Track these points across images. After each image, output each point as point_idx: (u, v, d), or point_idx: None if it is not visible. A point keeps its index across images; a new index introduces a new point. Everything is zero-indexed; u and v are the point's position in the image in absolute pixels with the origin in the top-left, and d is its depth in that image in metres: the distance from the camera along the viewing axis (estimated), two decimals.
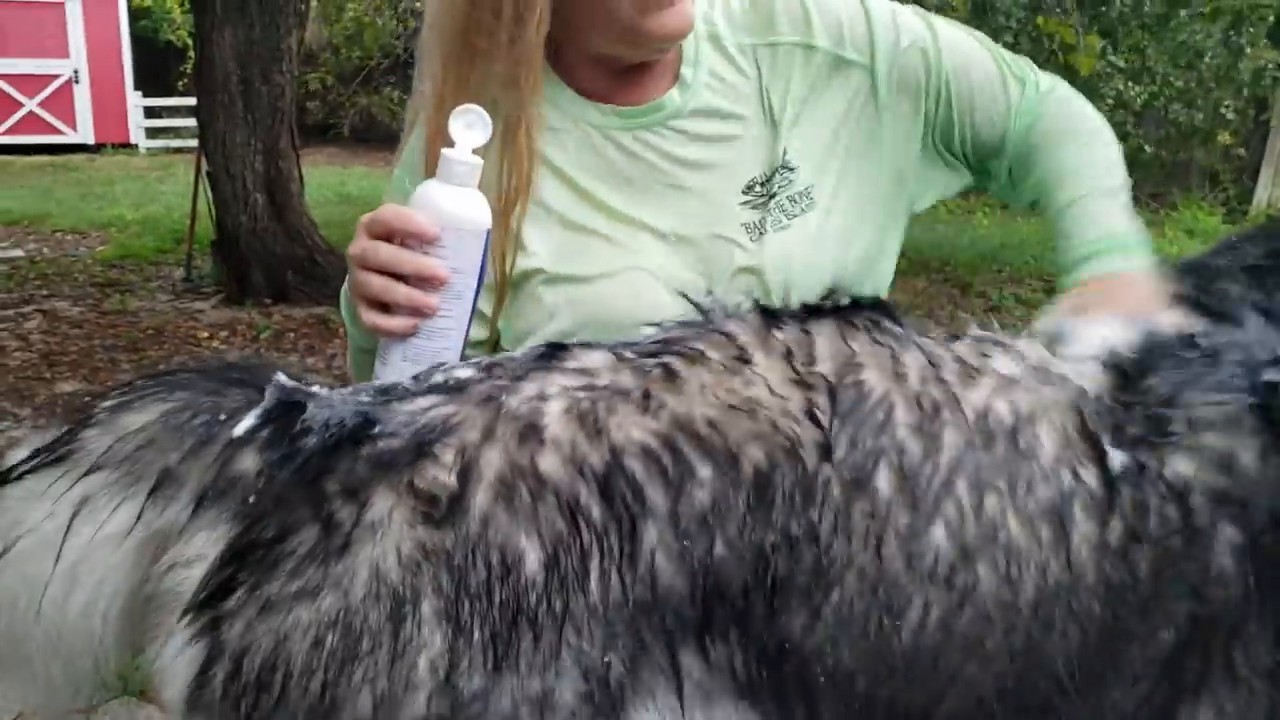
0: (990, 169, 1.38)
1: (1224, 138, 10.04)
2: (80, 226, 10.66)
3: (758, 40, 1.31)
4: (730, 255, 1.26)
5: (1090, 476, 0.93)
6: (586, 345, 0.99)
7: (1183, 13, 6.28)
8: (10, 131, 16.88)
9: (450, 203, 1.08)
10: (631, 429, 0.90)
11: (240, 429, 0.90)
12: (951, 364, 0.98)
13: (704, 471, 0.89)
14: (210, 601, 0.85)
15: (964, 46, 1.35)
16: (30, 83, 17.06)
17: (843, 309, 1.02)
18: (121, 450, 0.91)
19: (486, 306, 1.25)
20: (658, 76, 1.29)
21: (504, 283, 1.26)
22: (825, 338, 0.98)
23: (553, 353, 0.97)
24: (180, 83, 19.06)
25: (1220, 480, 0.94)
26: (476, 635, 0.84)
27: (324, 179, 11.62)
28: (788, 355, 0.96)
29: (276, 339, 6.49)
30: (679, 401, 0.92)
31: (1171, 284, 1.15)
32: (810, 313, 1.02)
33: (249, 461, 0.89)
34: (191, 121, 17.88)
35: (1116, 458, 0.93)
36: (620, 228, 1.27)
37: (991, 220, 9.36)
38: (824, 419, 0.91)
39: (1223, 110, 9.04)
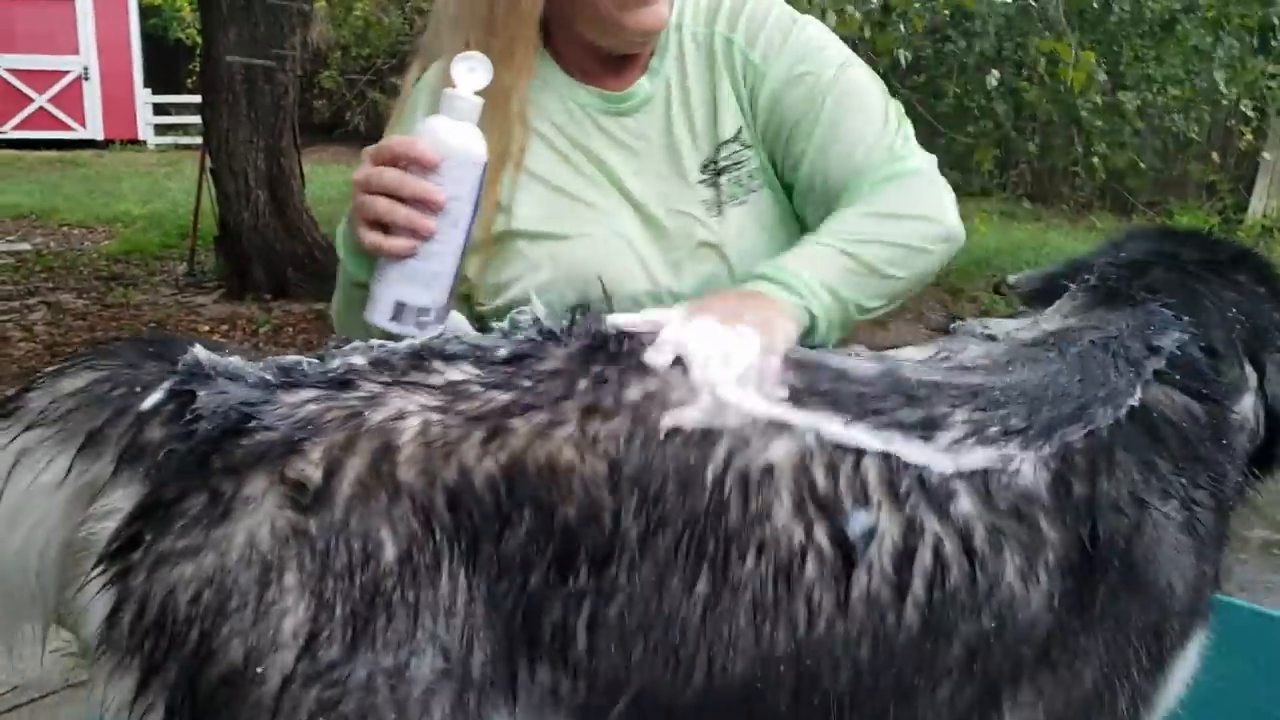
0: (808, 197, 1.41)
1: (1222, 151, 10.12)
2: (87, 221, 10.79)
3: (706, 34, 1.42)
4: (691, 230, 1.37)
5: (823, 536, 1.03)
6: (451, 359, 1.07)
7: (1183, 23, 6.34)
8: (20, 127, 17.03)
9: (451, 135, 1.16)
10: (481, 457, 0.99)
11: (147, 404, 1.02)
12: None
13: (527, 511, 0.99)
14: (120, 552, 0.96)
15: (858, 99, 1.39)
16: (41, 78, 17.21)
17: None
18: (56, 410, 1.03)
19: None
20: (638, 65, 1.42)
21: (486, 240, 1.37)
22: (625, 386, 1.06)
23: (423, 355, 1.06)
24: (190, 80, 19.22)
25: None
26: (338, 611, 0.94)
27: (330, 177, 11.73)
28: (589, 412, 1.03)
29: (275, 333, 6.59)
30: (518, 443, 1.00)
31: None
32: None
33: (156, 433, 1.00)
34: (199, 119, 18.13)
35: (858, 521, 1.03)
36: (598, 196, 1.39)
37: (989, 226, 9.43)
38: (623, 489, 1.00)
39: (1230, 124, 9.15)
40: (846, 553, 1.02)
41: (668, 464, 1.01)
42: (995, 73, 5.65)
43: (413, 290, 1.18)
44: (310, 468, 0.96)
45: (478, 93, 1.18)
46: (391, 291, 1.18)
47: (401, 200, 1.16)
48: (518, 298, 1.37)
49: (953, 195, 1.38)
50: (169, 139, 18.20)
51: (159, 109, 18.39)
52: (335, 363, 1.05)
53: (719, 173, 1.39)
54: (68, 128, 17.46)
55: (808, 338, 1.22)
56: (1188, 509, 1.12)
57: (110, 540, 0.97)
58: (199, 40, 18.82)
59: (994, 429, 1.07)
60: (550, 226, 1.38)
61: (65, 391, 1.04)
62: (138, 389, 1.03)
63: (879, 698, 1.05)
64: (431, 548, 0.96)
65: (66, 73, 17.42)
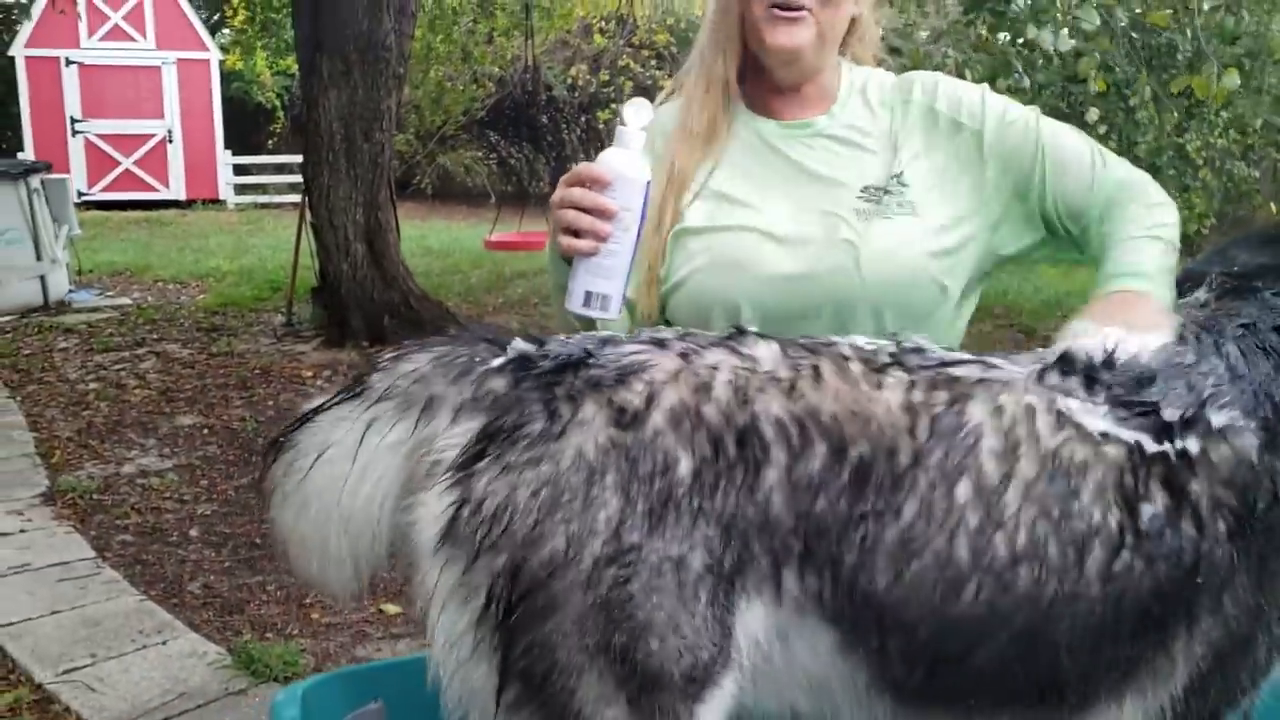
0: (1071, 228, 1.71)
1: None
2: (180, 276, 11.29)
3: (895, 98, 1.75)
4: (837, 227, 1.65)
5: (1114, 520, 1.25)
6: (761, 336, 1.33)
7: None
8: (108, 189, 17.79)
9: (618, 161, 1.49)
10: (772, 405, 1.24)
11: (496, 361, 1.29)
12: (1043, 413, 1.28)
13: (820, 448, 1.23)
14: (465, 465, 1.21)
15: (1060, 129, 1.73)
16: (127, 142, 18.00)
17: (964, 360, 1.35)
18: (400, 386, 1.30)
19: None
20: (813, 104, 1.74)
21: (665, 240, 1.70)
22: (948, 377, 1.31)
23: (735, 337, 1.32)
24: (270, 142, 19.92)
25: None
26: (640, 506, 1.19)
27: (406, 233, 12.17)
28: (910, 386, 1.29)
29: None
30: (816, 396, 1.26)
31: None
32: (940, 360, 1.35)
33: (500, 382, 1.26)
34: (278, 179, 18.76)
35: (1146, 511, 1.25)
36: (760, 199, 1.70)
37: (1056, 271, 9.61)
38: (922, 437, 1.24)
39: None
40: (1123, 535, 1.24)
41: (985, 426, 1.26)
42: (1094, 109, 5.79)
43: (598, 281, 1.50)
44: (633, 395, 1.22)
45: (643, 128, 1.51)
46: (581, 283, 1.50)
47: (584, 210, 1.48)
48: (679, 281, 1.69)
49: None
50: (248, 198, 18.87)
51: (239, 169, 19.08)
52: (646, 334, 1.33)
53: (885, 194, 1.68)
54: (152, 189, 18.19)
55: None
56: None
57: (457, 457, 1.22)
58: (278, 104, 19.69)
59: (1225, 398, 1.29)
60: (710, 222, 1.70)
61: (404, 371, 1.31)
62: (476, 359, 1.30)
63: (1094, 645, 1.26)
64: (715, 471, 1.21)
65: (151, 135, 18.17)
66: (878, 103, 1.74)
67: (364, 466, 1.27)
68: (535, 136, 17.18)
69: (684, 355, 1.27)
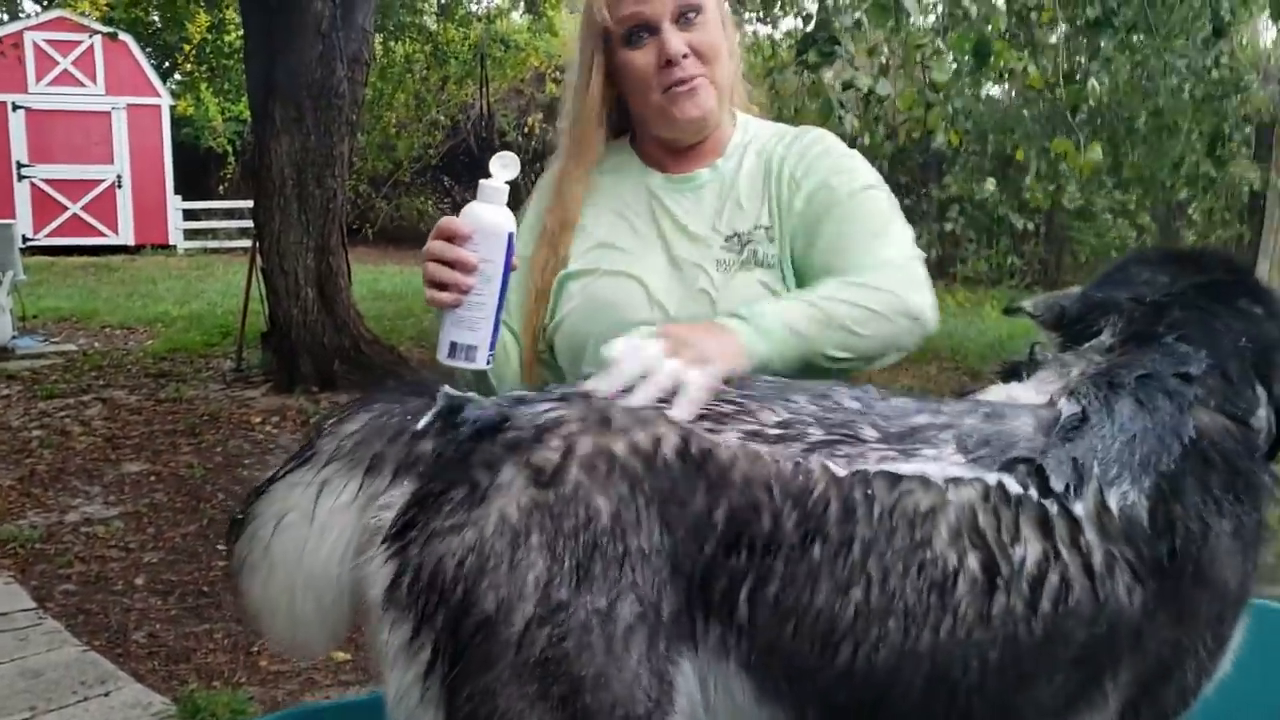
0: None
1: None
2: (128, 322, 11.19)
3: (773, 147, 1.75)
4: (697, 278, 1.69)
5: (975, 563, 1.26)
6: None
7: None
8: (54, 234, 17.57)
9: (481, 214, 1.52)
10: (671, 437, 1.26)
11: (421, 424, 1.31)
12: (875, 472, 1.28)
13: (700, 488, 1.24)
14: (399, 533, 1.24)
15: (869, 215, 1.66)
16: (75, 187, 17.82)
17: None
18: (345, 447, 1.33)
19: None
20: (703, 158, 1.77)
21: (547, 286, 1.74)
22: (798, 434, 1.30)
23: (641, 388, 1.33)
24: (221, 187, 19.83)
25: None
26: (567, 562, 1.20)
27: (359, 277, 12.14)
28: (773, 441, 1.28)
29: None
30: (708, 440, 1.26)
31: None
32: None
33: (426, 446, 1.29)
34: (229, 224, 18.65)
35: (1017, 553, 1.27)
36: (638, 246, 1.73)
37: (998, 314, 9.77)
38: (777, 498, 1.24)
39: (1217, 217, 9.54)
40: (992, 579, 1.26)
41: (831, 491, 1.26)
42: (991, 180, 6.03)
43: (462, 333, 1.52)
44: (550, 452, 1.24)
45: (508, 181, 1.53)
46: (447, 334, 1.52)
47: (446, 263, 1.50)
48: (559, 321, 1.73)
49: (929, 288, 1.61)
50: (198, 243, 18.74)
51: (189, 214, 18.94)
52: (557, 391, 1.35)
53: (744, 245, 1.70)
54: (100, 234, 18.01)
55: (764, 369, 1.46)
56: (1235, 519, 1.36)
57: (391, 524, 1.25)
58: (229, 149, 19.61)
59: (1114, 471, 1.32)
60: (590, 266, 1.74)
61: (348, 431, 1.34)
62: (409, 417, 1.32)
63: (1002, 688, 1.29)
64: (634, 507, 1.22)
65: (100, 181, 18.03)
66: (755, 154, 1.76)
67: (321, 527, 1.30)
68: None
69: (593, 404, 1.30)
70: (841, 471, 1.27)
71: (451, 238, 1.51)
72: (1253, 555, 1.40)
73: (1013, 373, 1.54)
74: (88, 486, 5.75)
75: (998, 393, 1.48)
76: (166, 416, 7.17)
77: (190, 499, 5.53)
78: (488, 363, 1.54)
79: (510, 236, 1.52)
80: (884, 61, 5.67)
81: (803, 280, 1.67)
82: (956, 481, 1.28)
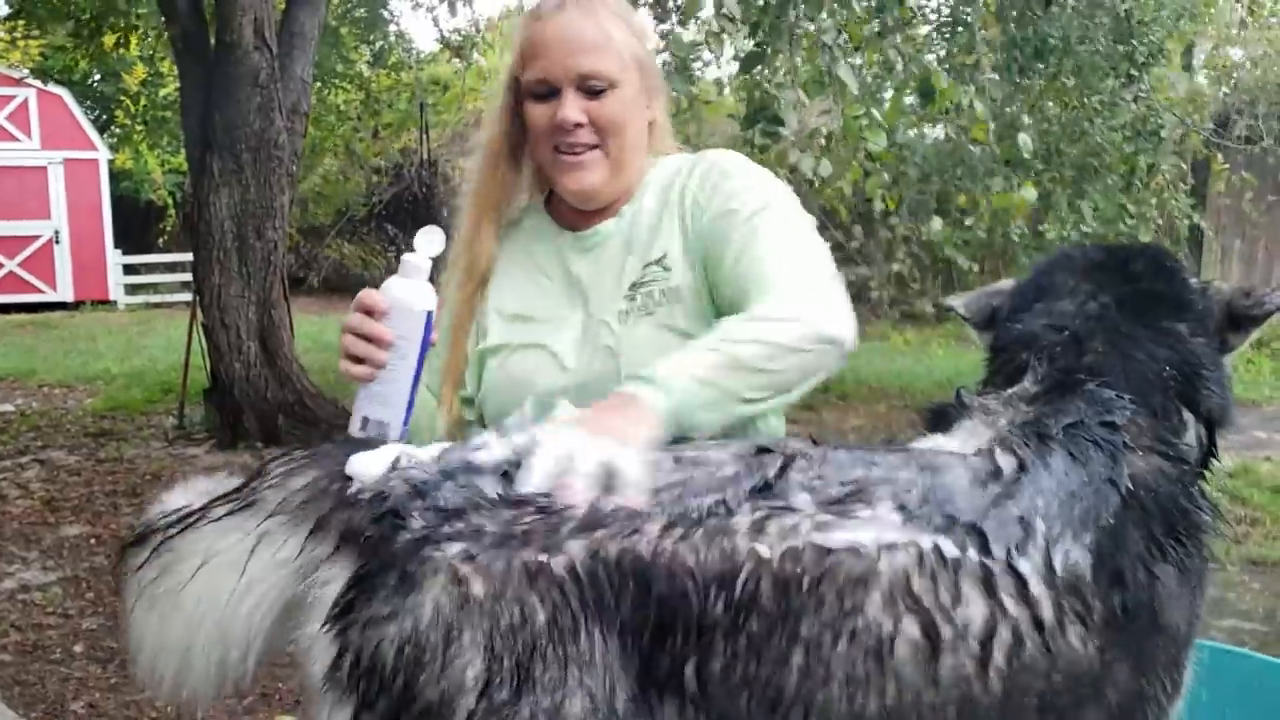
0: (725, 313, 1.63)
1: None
2: (67, 380, 10.93)
3: (673, 179, 1.71)
4: (599, 334, 1.66)
5: (914, 627, 1.23)
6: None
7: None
8: None
9: (399, 289, 1.51)
10: (579, 547, 1.21)
11: (363, 493, 1.25)
12: (802, 539, 1.24)
13: (630, 586, 1.19)
14: (340, 614, 1.19)
15: (775, 233, 1.58)
16: (11, 244, 17.52)
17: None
18: (291, 502, 1.28)
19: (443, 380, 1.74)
20: (607, 213, 1.74)
21: (467, 362, 1.74)
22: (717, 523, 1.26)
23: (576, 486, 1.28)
24: (161, 239, 19.58)
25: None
26: (505, 661, 1.16)
27: (302, 328, 12.00)
28: (690, 528, 1.24)
29: None
30: (630, 540, 1.21)
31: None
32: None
33: (364, 519, 1.23)
34: (170, 277, 18.42)
35: (960, 615, 1.24)
36: (556, 312, 1.71)
37: (946, 351, 9.86)
38: (703, 583, 1.21)
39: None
40: (934, 641, 1.23)
41: (761, 571, 1.22)
42: (937, 220, 6.14)
43: (374, 408, 1.50)
44: (459, 549, 1.18)
45: (433, 257, 1.52)
46: (360, 408, 1.52)
47: (362, 337, 1.49)
48: (480, 399, 1.72)
49: (843, 305, 1.50)
50: (139, 298, 18.47)
51: (129, 269, 18.68)
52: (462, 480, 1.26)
53: (638, 288, 1.66)
54: (38, 291, 17.71)
55: (681, 425, 1.38)
56: (1179, 563, 1.35)
57: (334, 604, 1.20)
58: (169, 202, 19.40)
59: (1057, 528, 1.30)
60: (504, 340, 1.72)
61: (295, 487, 1.29)
62: (349, 486, 1.27)
63: None
64: (570, 613, 1.18)
65: (37, 236, 17.74)
66: (655, 191, 1.72)
67: (251, 580, 1.25)
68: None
69: (495, 504, 1.24)
70: (767, 553, 1.23)
71: (369, 312, 1.49)
72: (1200, 596, 1.40)
73: (939, 417, 1.52)
74: (25, 552, 5.58)
75: (926, 444, 1.45)
76: (107, 477, 7.01)
77: None
78: (401, 437, 1.50)
79: (428, 315, 1.50)
80: (823, 140, 5.75)
81: (718, 296, 1.61)
82: (890, 547, 1.25)
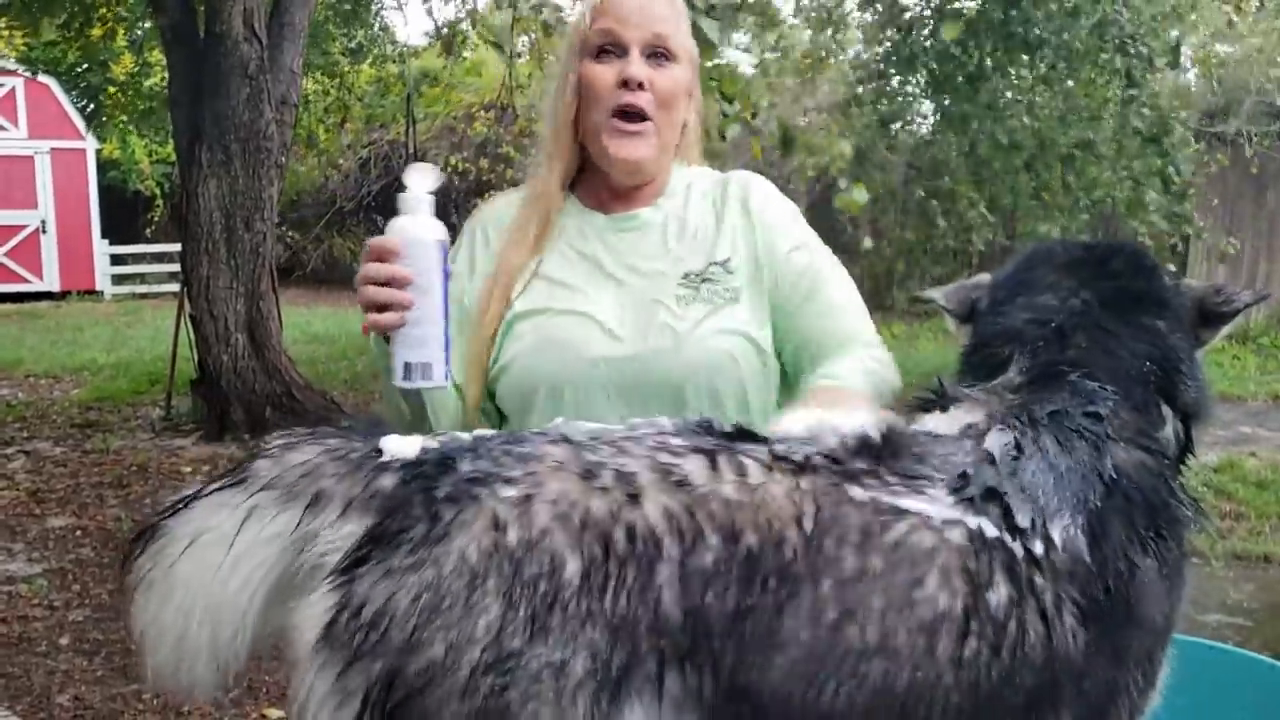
0: (784, 354, 1.76)
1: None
2: (54, 371, 10.90)
3: (716, 190, 1.80)
4: (654, 312, 1.68)
5: (959, 606, 1.25)
6: (653, 424, 1.32)
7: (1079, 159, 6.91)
8: None
9: (407, 226, 1.47)
10: (662, 496, 1.22)
11: (386, 458, 1.26)
12: (885, 505, 1.28)
13: (713, 539, 1.22)
14: (349, 568, 1.18)
15: (838, 279, 1.78)
16: None
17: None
18: (286, 477, 1.26)
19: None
20: (643, 199, 1.78)
21: (496, 329, 1.71)
22: (811, 474, 1.30)
23: (628, 429, 1.31)
24: (148, 230, 19.50)
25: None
26: (523, 611, 1.16)
27: (291, 320, 11.98)
28: (797, 469, 1.28)
29: None
30: (707, 485, 1.24)
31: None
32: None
33: (389, 481, 1.24)
34: (157, 268, 18.34)
35: (991, 598, 1.27)
36: (588, 286, 1.72)
37: (934, 345, 9.90)
38: (808, 528, 1.24)
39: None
40: (968, 619, 1.25)
41: (851, 522, 1.25)
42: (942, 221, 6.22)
43: (413, 351, 1.46)
44: (518, 492, 1.20)
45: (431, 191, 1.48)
46: (400, 356, 1.47)
47: (383, 284, 1.45)
48: (506, 364, 1.68)
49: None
50: (126, 288, 18.38)
51: (116, 259, 18.60)
52: (534, 430, 1.31)
53: (703, 282, 1.71)
54: (24, 280, 17.61)
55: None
56: (1158, 556, 1.36)
57: (342, 559, 1.19)
58: (157, 192, 19.31)
59: (1055, 503, 1.31)
60: (539, 305, 1.71)
61: (293, 462, 1.27)
62: (369, 454, 1.27)
63: None
64: (604, 571, 1.18)
65: (24, 226, 17.65)
66: (700, 194, 1.79)
67: (239, 556, 1.23)
68: None
69: (572, 447, 1.26)
70: (865, 497, 1.26)
71: (382, 256, 1.46)
72: (1178, 590, 1.41)
73: (926, 406, 1.52)
74: (10, 543, 5.57)
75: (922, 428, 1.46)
76: (93, 468, 7.00)
77: (117, 554, 5.35)
78: (446, 377, 1.49)
79: (443, 246, 1.47)
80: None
81: (786, 320, 1.74)
82: (950, 523, 1.27)
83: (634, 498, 1.22)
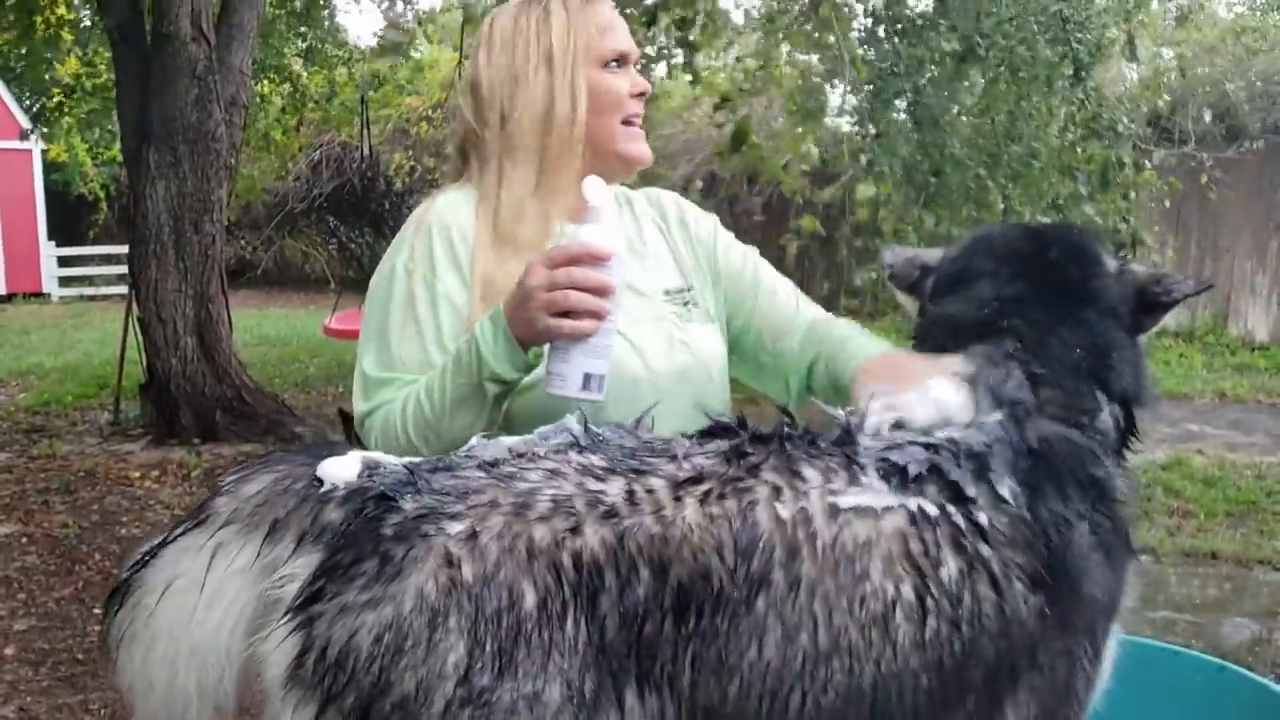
0: (767, 347, 1.83)
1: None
2: None
3: (651, 210, 1.87)
4: (670, 330, 1.71)
5: (909, 589, 1.26)
6: (596, 443, 1.31)
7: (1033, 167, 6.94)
8: None
9: (602, 235, 1.45)
10: (602, 531, 1.22)
11: (333, 489, 1.25)
12: (817, 508, 1.28)
13: (644, 573, 1.21)
14: (305, 604, 1.17)
15: (768, 266, 1.89)
16: None
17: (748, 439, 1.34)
18: (244, 510, 1.26)
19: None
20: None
21: None
22: (719, 501, 1.28)
23: (571, 448, 1.30)
24: (91, 232, 19.21)
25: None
26: (488, 646, 1.16)
27: (242, 322, 11.86)
28: (705, 497, 1.27)
29: (208, 476, 6.65)
30: (631, 516, 1.23)
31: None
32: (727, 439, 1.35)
33: (336, 514, 1.23)
34: (105, 270, 18.08)
35: (942, 574, 1.28)
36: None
37: (903, 337, 9.97)
38: (728, 557, 1.23)
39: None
40: (922, 600, 1.26)
41: (774, 540, 1.24)
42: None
43: (594, 362, 1.45)
44: (461, 528, 1.19)
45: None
46: (577, 366, 1.44)
47: (584, 290, 1.42)
48: (530, 382, 1.57)
49: None
50: (74, 290, 18.12)
51: (63, 261, 18.33)
52: (476, 454, 1.30)
53: (686, 302, 1.76)
54: None
55: None
56: (1094, 531, 1.38)
57: (296, 596, 1.18)
58: (101, 194, 19.02)
59: (995, 464, 1.34)
60: None
61: (249, 494, 1.27)
62: (313, 483, 1.26)
63: (933, 713, 1.28)
64: (561, 599, 1.18)
65: None
66: (639, 213, 1.85)
67: (212, 594, 1.23)
68: (376, 221, 17.08)
69: (508, 479, 1.25)
70: (786, 513, 1.25)
71: (591, 261, 1.43)
72: (1119, 570, 1.42)
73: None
74: None
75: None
76: (39, 474, 6.87)
77: (64, 561, 5.29)
78: (603, 390, 1.47)
79: (622, 258, 1.48)
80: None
81: (740, 315, 1.84)
82: (888, 510, 1.28)
83: (574, 530, 1.22)
